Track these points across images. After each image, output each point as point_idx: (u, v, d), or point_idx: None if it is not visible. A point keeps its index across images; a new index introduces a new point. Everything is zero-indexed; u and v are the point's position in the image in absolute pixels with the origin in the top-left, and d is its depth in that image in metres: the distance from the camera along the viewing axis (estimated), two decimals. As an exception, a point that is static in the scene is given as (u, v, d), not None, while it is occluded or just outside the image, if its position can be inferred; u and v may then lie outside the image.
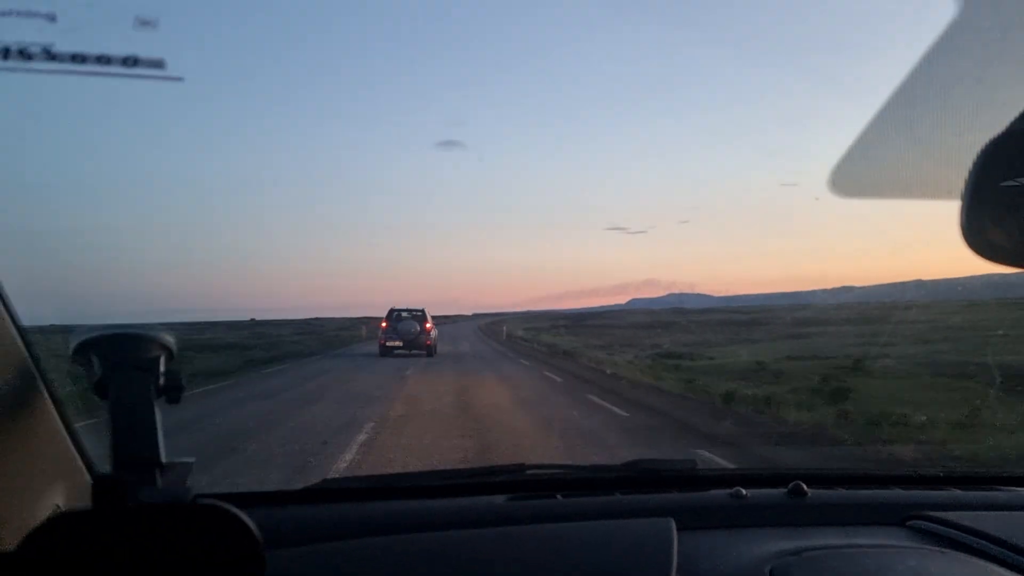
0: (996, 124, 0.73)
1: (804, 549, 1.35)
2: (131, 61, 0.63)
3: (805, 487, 1.67)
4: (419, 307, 25.72)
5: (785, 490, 1.68)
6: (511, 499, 1.65)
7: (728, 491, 1.67)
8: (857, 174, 1.06)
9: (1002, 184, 0.74)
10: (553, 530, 1.46)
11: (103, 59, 0.62)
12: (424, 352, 24.33)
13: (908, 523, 1.55)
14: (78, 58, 0.62)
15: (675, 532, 1.39)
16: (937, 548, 1.38)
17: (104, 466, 1.15)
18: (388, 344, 24.51)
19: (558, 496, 1.69)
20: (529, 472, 1.87)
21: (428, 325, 24.85)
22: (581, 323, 73.33)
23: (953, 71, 0.85)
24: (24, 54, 0.61)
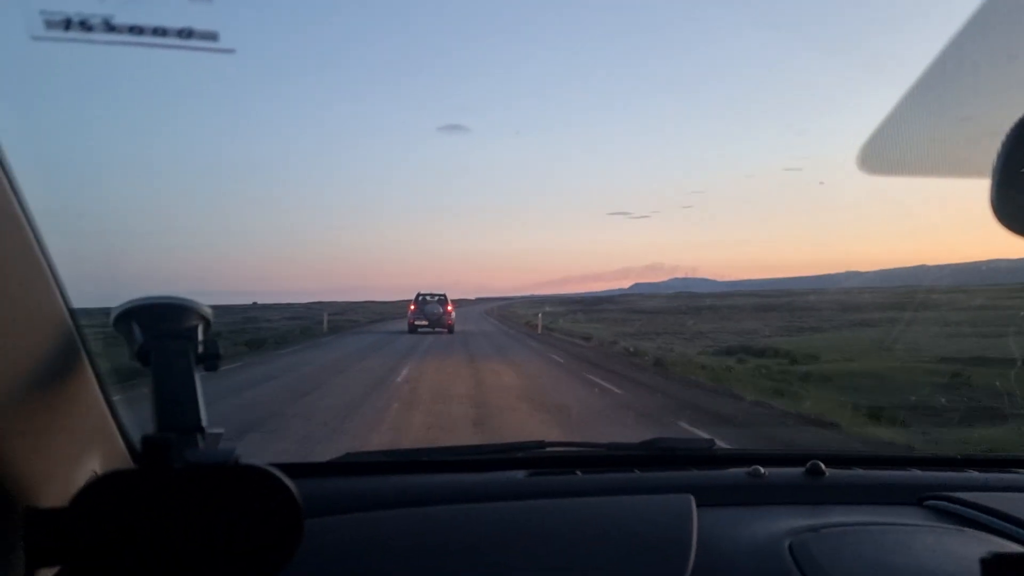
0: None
1: (822, 526, 1.36)
2: (186, 33, 0.65)
3: (823, 467, 1.68)
4: (441, 292, 30.97)
5: (803, 469, 1.69)
6: (531, 474, 1.67)
7: (746, 470, 1.68)
8: (886, 152, 1.06)
9: None
10: (574, 505, 1.48)
11: (159, 31, 0.64)
12: (446, 330, 29.74)
13: (925, 503, 1.56)
14: (136, 30, 0.64)
15: (694, 508, 1.41)
16: (954, 526, 1.39)
17: (136, 435, 1.19)
18: (415, 323, 29.94)
19: (578, 472, 1.71)
20: (549, 448, 1.90)
21: (449, 307, 30.47)
22: (595, 307, 70.29)
23: (986, 48, 0.85)
24: (85, 25, 0.64)
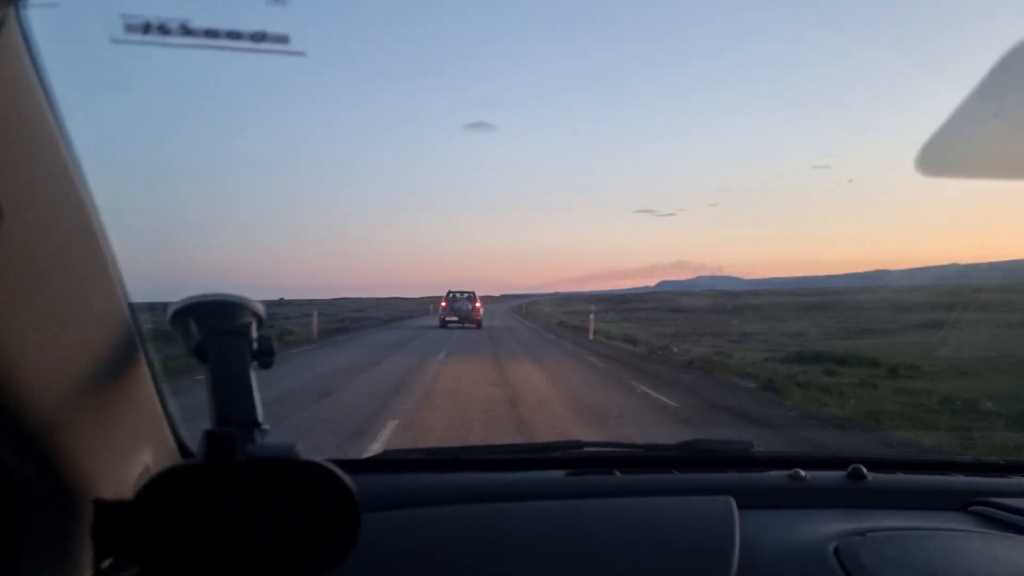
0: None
1: (867, 530, 1.34)
2: (259, 37, 0.66)
3: (865, 471, 1.66)
4: (469, 290, 33.55)
5: (844, 473, 1.67)
6: (569, 474, 1.67)
7: (786, 472, 1.67)
8: (945, 153, 1.05)
9: None
10: (613, 505, 1.47)
11: (233, 34, 0.66)
12: (475, 326, 32.03)
13: (970, 508, 1.54)
14: (211, 33, 0.66)
15: (736, 510, 1.40)
16: (1002, 533, 1.37)
17: (184, 430, 1.21)
18: (446, 319, 32.45)
19: (616, 472, 1.70)
20: (587, 448, 1.89)
21: (477, 305, 32.96)
22: (625, 305, 69.14)
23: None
24: (163, 29, 0.65)
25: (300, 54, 0.67)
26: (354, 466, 1.71)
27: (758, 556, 1.26)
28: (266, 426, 1.02)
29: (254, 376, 0.96)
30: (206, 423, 0.91)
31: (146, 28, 0.64)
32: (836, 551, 1.25)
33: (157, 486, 0.78)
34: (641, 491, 1.57)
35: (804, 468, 1.68)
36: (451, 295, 32.94)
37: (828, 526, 1.38)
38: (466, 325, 31.49)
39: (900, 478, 1.74)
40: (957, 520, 1.49)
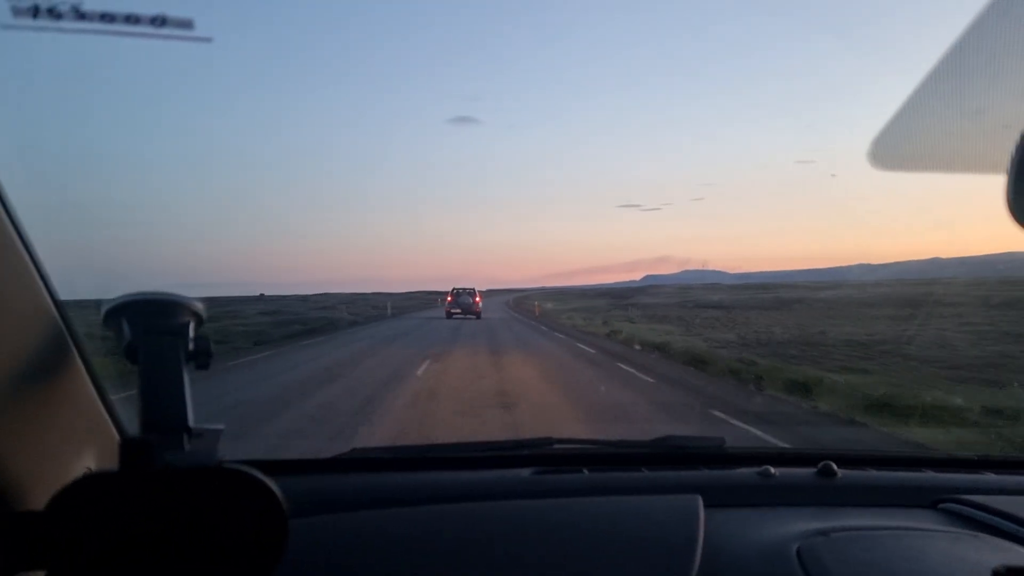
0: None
1: (832, 529, 1.33)
2: (159, 21, 0.62)
3: (835, 467, 1.65)
4: (471, 286, 39.68)
5: (814, 470, 1.65)
6: (537, 472, 1.65)
7: (756, 469, 1.65)
8: (899, 147, 1.03)
9: None
10: (580, 504, 1.46)
11: (132, 18, 0.62)
12: (475, 316, 37.94)
13: (940, 506, 1.52)
14: (107, 17, 0.62)
15: (702, 508, 1.38)
16: (969, 531, 1.35)
17: (134, 431, 1.17)
18: (451, 311, 38.76)
19: (585, 471, 1.68)
20: (556, 446, 1.87)
21: (477, 299, 39.06)
22: (626, 300, 65.03)
23: (1005, 39, 0.82)
24: (53, 12, 0.61)
25: (207, 40, 0.63)
26: (321, 465, 1.68)
27: (722, 556, 1.25)
28: (218, 426, 0.99)
29: (188, 378, 0.93)
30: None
31: (35, 12, 0.60)
32: (799, 551, 1.23)
33: (68, 496, 0.74)
34: (609, 489, 1.56)
35: (774, 465, 1.67)
36: (455, 291, 39.45)
37: (794, 525, 1.36)
38: (468, 316, 38.02)
39: (871, 474, 1.73)
40: (925, 518, 1.47)
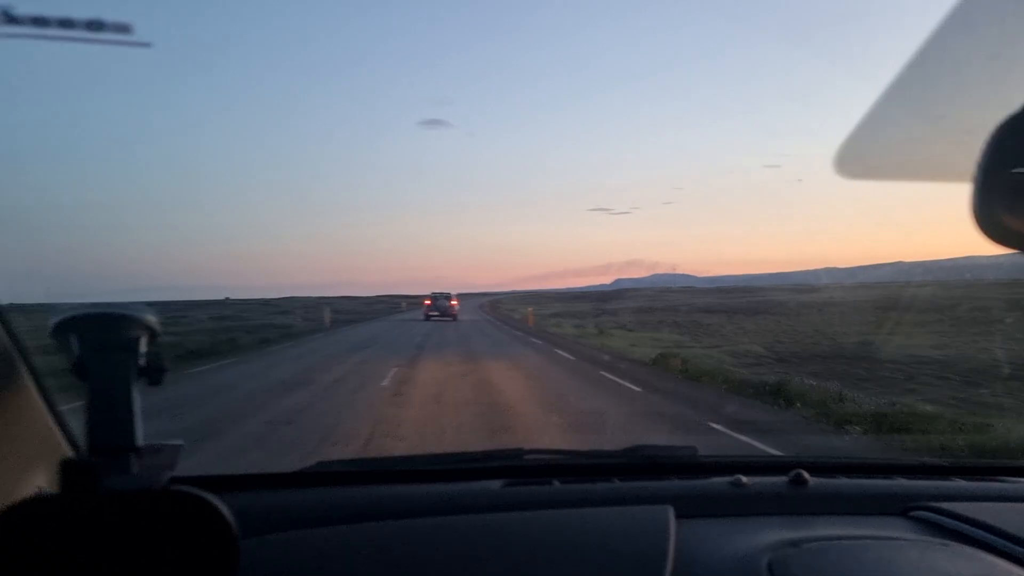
0: (1011, 103, 0.70)
1: (803, 540, 1.32)
2: (96, 25, 0.59)
3: (806, 476, 1.64)
4: (448, 291, 43.23)
5: (786, 478, 1.65)
6: (507, 484, 1.63)
7: (728, 479, 1.65)
8: (864, 154, 1.02)
9: (1016, 166, 0.71)
10: (549, 517, 1.44)
11: (66, 23, 0.59)
12: (452, 319, 41.08)
13: (910, 513, 1.52)
14: (40, 21, 0.59)
15: (672, 520, 1.37)
16: (939, 540, 1.35)
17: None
18: (429, 314, 41.98)
19: (555, 482, 1.67)
20: (527, 457, 1.85)
21: (454, 302, 42.31)
22: (606, 305, 61.86)
23: (967, 46, 0.82)
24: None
25: (146, 45, 0.61)
26: (285, 480, 1.65)
27: (693, 569, 1.23)
28: (177, 441, 0.96)
29: (138, 395, 0.90)
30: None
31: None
32: (770, 564, 1.22)
33: (7, 521, 0.71)
34: (580, 501, 1.54)
35: (746, 474, 1.66)
36: (433, 295, 42.88)
37: (765, 535, 1.35)
38: (444, 318, 41.32)
39: (842, 482, 1.73)
40: (896, 526, 1.47)
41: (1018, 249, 0.74)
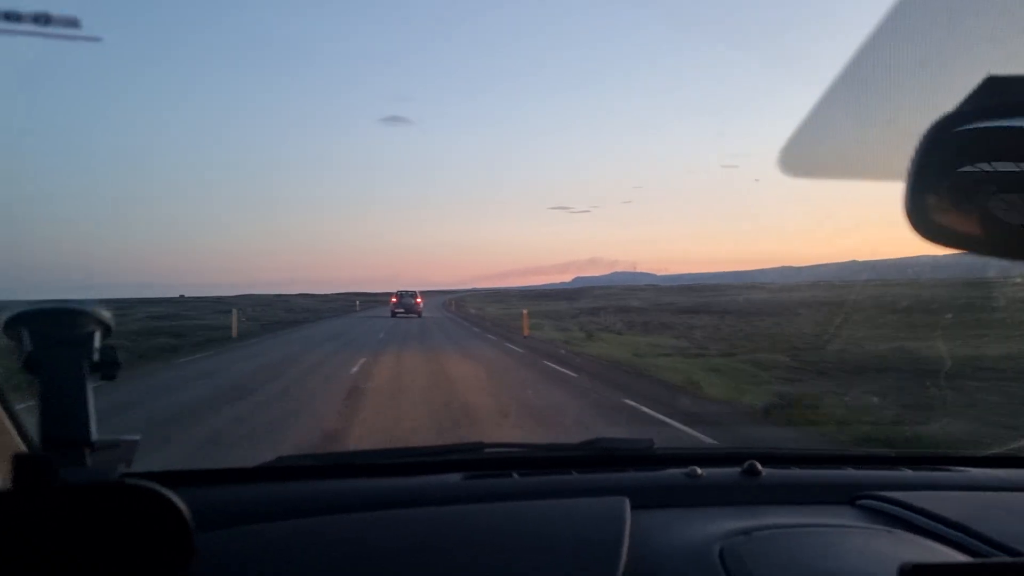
0: (941, 107, 0.73)
1: (754, 528, 1.36)
2: (43, 19, 0.59)
3: (759, 466, 1.69)
4: (413, 289, 46.07)
5: (740, 469, 1.69)
6: (467, 478, 1.64)
7: (683, 470, 1.68)
8: (806, 154, 1.06)
9: (946, 168, 0.74)
10: (508, 509, 1.46)
11: (12, 16, 0.58)
12: (416, 315, 43.49)
13: (857, 502, 1.58)
14: (-16, 14, 0.58)
15: (628, 511, 1.40)
16: (883, 527, 1.40)
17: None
18: (395, 311, 44.23)
19: (515, 474, 1.69)
20: (487, 451, 1.87)
21: (419, 300, 44.85)
22: (574, 303, 59.65)
23: (899, 52, 0.85)
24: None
25: (96, 39, 0.60)
26: (245, 475, 1.64)
27: (647, 558, 1.26)
28: (134, 436, 0.96)
29: (91, 390, 0.89)
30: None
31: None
32: (722, 552, 1.26)
33: None
34: (539, 493, 1.57)
35: (701, 465, 1.70)
36: (399, 292, 45.59)
37: (718, 525, 1.39)
38: (410, 315, 43.42)
39: (793, 473, 1.78)
40: (843, 515, 1.52)
41: (950, 248, 0.78)
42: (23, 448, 1.06)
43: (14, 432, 1.05)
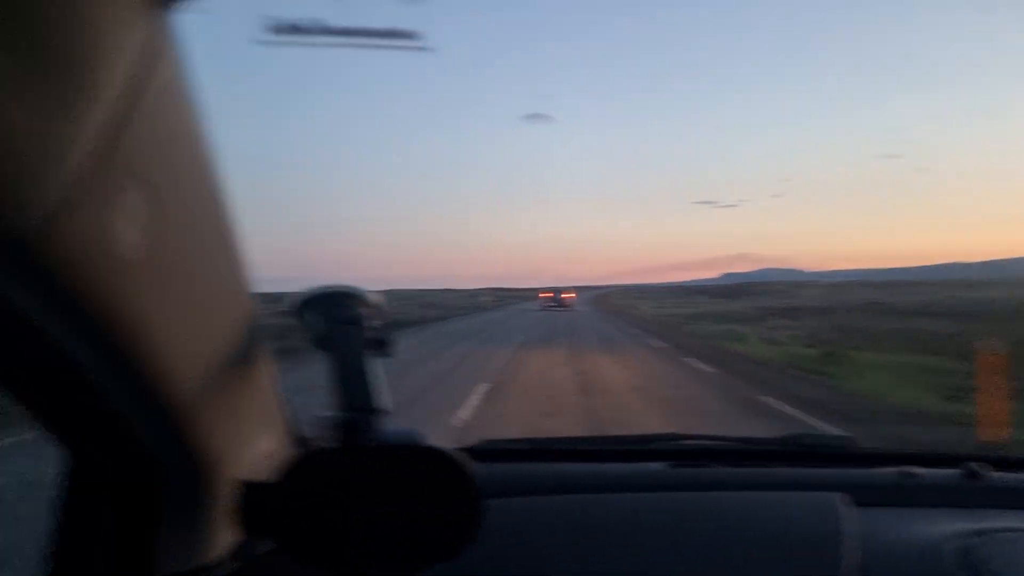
0: None
1: (992, 530, 1.28)
2: (390, 34, 0.69)
3: (980, 469, 1.57)
4: (562, 286, 52.84)
5: (959, 471, 1.58)
6: (671, 466, 1.63)
7: (896, 469, 1.59)
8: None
9: None
10: (714, 498, 1.44)
11: (368, 32, 0.69)
12: (567, 308, 47.60)
13: None
14: (347, 32, 0.69)
15: (841, 505, 1.35)
16: None
17: (295, 420, 1.23)
18: (547, 305, 50.00)
19: (718, 466, 1.66)
20: (684, 441, 1.86)
21: (569, 296, 51.31)
22: (735, 301, 55.71)
23: None
24: (302, 30, 0.69)
25: (431, 49, 0.70)
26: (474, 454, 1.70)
27: (870, 554, 1.21)
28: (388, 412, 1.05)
29: (376, 363, 0.98)
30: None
31: (289, 29, 0.68)
32: (958, 551, 1.19)
33: (301, 469, 0.81)
34: (741, 485, 1.53)
35: (914, 465, 1.60)
36: (552, 289, 52.08)
37: (947, 525, 1.31)
38: (559, 308, 47.81)
39: (1020, 477, 1.65)
40: None
41: None
42: (283, 421, 1.18)
43: (280, 411, 1.17)
